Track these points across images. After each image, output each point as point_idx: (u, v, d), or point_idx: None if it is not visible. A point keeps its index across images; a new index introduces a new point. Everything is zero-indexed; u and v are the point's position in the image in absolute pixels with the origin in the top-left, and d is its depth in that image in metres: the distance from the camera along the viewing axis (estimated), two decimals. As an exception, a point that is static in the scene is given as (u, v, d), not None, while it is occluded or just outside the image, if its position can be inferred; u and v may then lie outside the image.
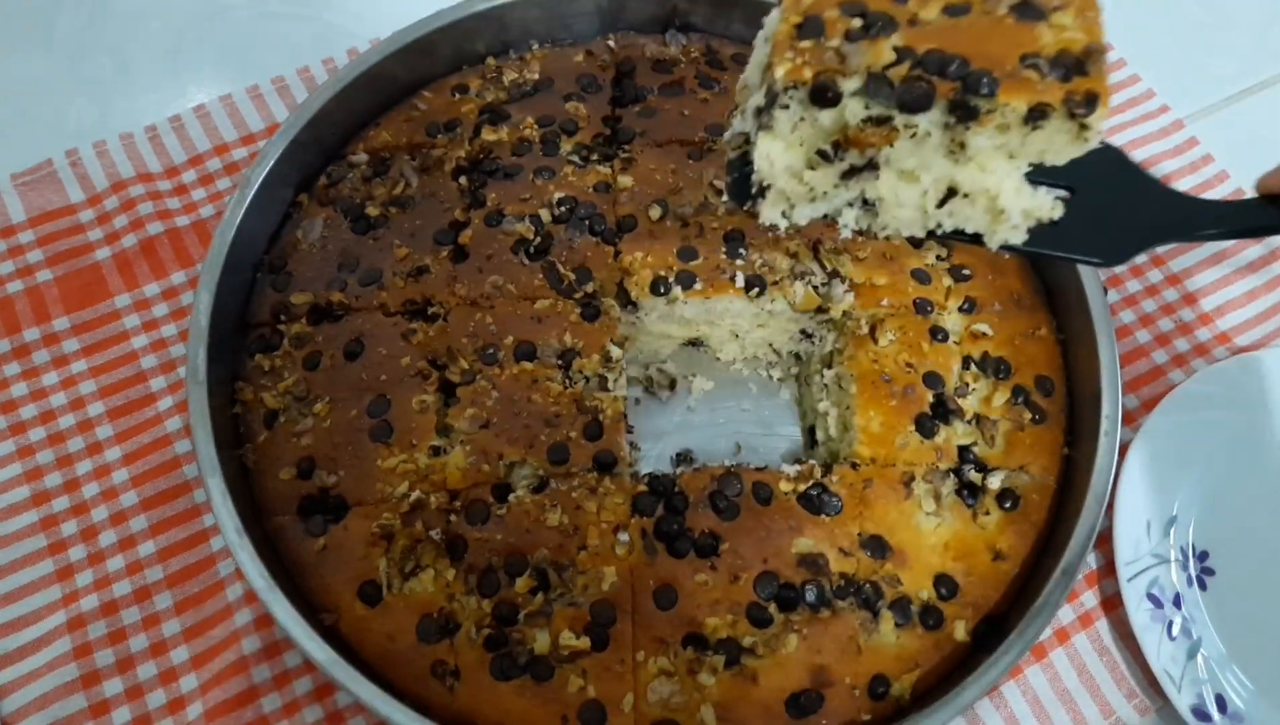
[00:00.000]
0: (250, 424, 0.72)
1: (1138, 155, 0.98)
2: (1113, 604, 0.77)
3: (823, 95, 0.46)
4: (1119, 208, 0.54)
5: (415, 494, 0.68)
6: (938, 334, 0.75)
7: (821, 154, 0.49)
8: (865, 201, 0.52)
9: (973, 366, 0.74)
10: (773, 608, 0.65)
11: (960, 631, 0.67)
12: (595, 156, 0.82)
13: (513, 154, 0.82)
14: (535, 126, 0.83)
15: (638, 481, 0.69)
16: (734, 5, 0.88)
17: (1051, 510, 0.71)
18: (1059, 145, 0.47)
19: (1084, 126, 0.46)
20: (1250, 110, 1.02)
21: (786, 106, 0.47)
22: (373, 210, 0.79)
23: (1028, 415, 0.73)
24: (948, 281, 0.77)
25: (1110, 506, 0.74)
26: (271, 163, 0.77)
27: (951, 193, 0.50)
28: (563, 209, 0.78)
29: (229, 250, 0.74)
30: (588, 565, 0.65)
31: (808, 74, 0.46)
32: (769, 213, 0.52)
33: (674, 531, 0.67)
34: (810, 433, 0.81)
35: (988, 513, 0.70)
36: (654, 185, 0.79)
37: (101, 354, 0.83)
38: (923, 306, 0.75)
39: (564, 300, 0.74)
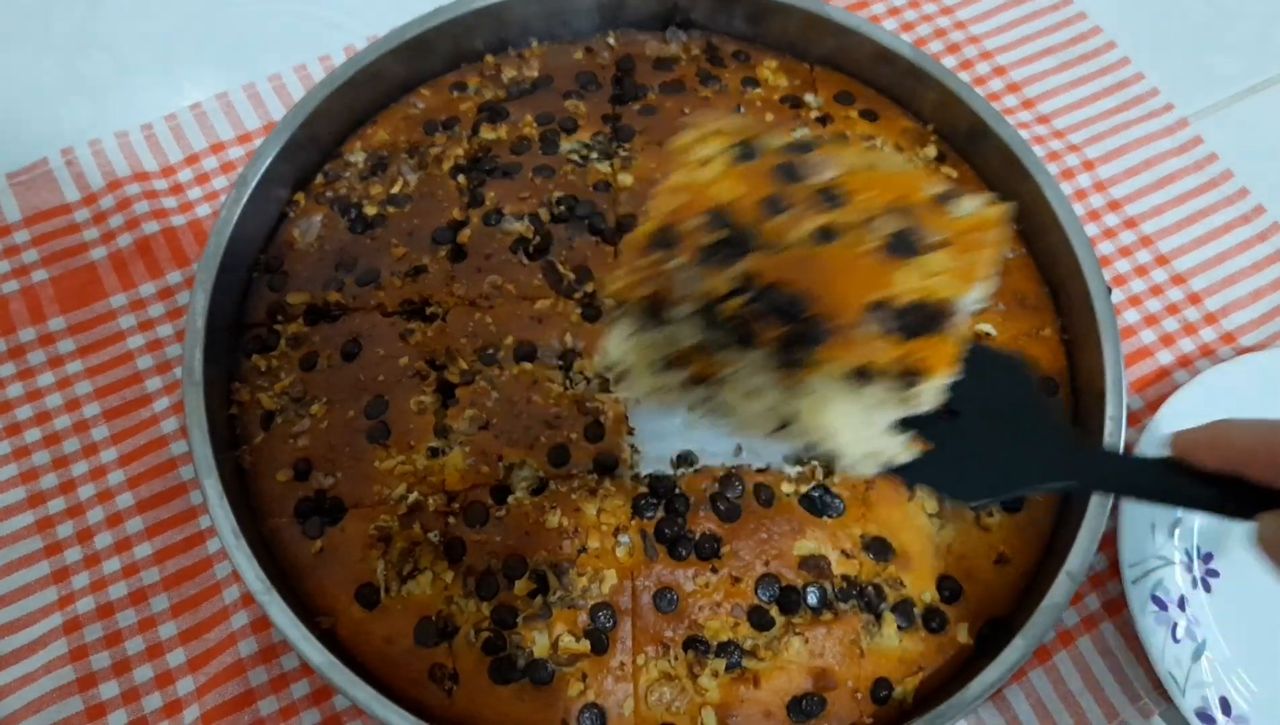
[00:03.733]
0: (247, 425, 0.72)
1: (1141, 154, 0.97)
2: (1117, 606, 0.77)
3: (648, 318, 0.44)
4: (999, 441, 0.49)
5: (413, 496, 0.67)
6: (940, 334, 0.74)
7: (659, 363, 0.47)
8: (719, 407, 0.49)
9: (976, 367, 0.73)
10: (774, 610, 0.65)
11: (963, 634, 0.66)
12: (595, 155, 0.81)
13: (512, 152, 0.81)
14: (534, 124, 0.82)
15: (638, 483, 0.68)
16: (735, 1, 0.87)
17: (1055, 512, 0.71)
18: (889, 402, 0.43)
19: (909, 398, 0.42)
20: (1255, 109, 1.02)
21: (615, 316, 0.46)
22: (370, 209, 0.78)
23: (1031, 416, 0.72)
24: (950, 281, 0.77)
25: (1114, 508, 0.73)
26: (268, 161, 0.77)
27: (789, 421, 0.47)
28: (562, 208, 0.77)
29: (225, 250, 0.73)
30: (587, 567, 0.65)
31: (635, 294, 0.44)
32: (623, 391, 0.50)
33: (675, 533, 0.66)
34: (812, 433, 0.81)
35: (991, 514, 0.69)
36: (655, 184, 0.78)
37: (97, 355, 0.83)
38: (925, 306, 0.75)
39: (564, 300, 0.74)
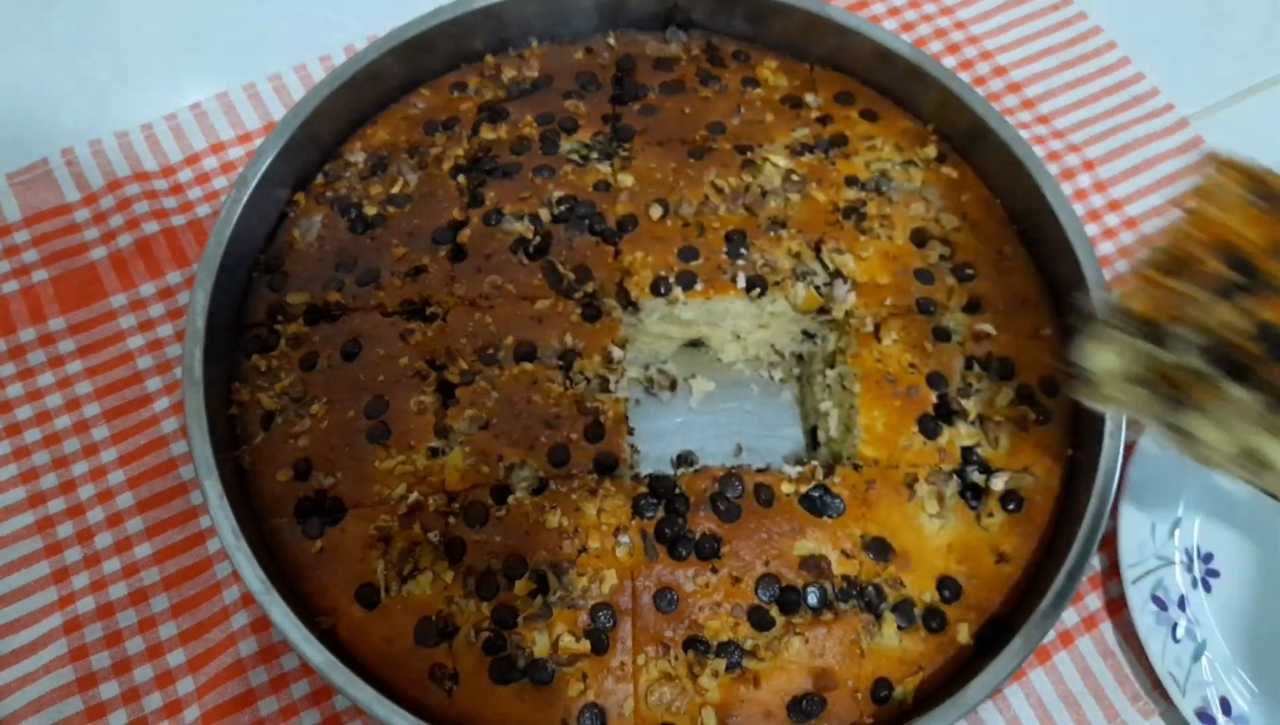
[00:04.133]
0: (247, 425, 0.72)
1: (1142, 154, 0.97)
2: (1117, 606, 0.77)
3: (1147, 331, 0.48)
4: None
5: (413, 496, 0.67)
6: (941, 334, 0.74)
7: (1137, 378, 0.51)
8: (1178, 427, 0.53)
9: (976, 367, 0.73)
10: (774, 610, 0.65)
11: (964, 634, 0.66)
12: (595, 155, 0.81)
13: (512, 152, 0.81)
14: (534, 124, 0.82)
15: (638, 483, 0.68)
16: (735, 2, 0.87)
17: (1055, 512, 0.71)
18: None
19: None
20: (1254, 109, 1.02)
21: (1115, 325, 0.50)
22: (370, 209, 0.78)
23: (1032, 416, 0.72)
24: (951, 281, 0.77)
25: (1114, 508, 0.73)
26: (268, 162, 0.77)
27: (1259, 459, 0.50)
28: (562, 208, 0.77)
29: (225, 250, 0.73)
30: (587, 567, 0.65)
31: (1142, 307, 0.48)
32: (1087, 396, 0.55)
33: (675, 533, 0.66)
34: (812, 433, 0.81)
35: (991, 514, 0.69)
36: (654, 184, 0.79)
37: (97, 355, 0.83)
38: (925, 306, 0.75)
39: (564, 300, 0.74)
